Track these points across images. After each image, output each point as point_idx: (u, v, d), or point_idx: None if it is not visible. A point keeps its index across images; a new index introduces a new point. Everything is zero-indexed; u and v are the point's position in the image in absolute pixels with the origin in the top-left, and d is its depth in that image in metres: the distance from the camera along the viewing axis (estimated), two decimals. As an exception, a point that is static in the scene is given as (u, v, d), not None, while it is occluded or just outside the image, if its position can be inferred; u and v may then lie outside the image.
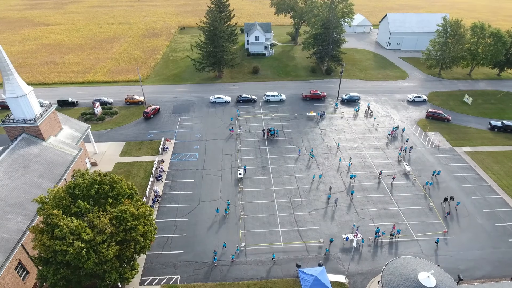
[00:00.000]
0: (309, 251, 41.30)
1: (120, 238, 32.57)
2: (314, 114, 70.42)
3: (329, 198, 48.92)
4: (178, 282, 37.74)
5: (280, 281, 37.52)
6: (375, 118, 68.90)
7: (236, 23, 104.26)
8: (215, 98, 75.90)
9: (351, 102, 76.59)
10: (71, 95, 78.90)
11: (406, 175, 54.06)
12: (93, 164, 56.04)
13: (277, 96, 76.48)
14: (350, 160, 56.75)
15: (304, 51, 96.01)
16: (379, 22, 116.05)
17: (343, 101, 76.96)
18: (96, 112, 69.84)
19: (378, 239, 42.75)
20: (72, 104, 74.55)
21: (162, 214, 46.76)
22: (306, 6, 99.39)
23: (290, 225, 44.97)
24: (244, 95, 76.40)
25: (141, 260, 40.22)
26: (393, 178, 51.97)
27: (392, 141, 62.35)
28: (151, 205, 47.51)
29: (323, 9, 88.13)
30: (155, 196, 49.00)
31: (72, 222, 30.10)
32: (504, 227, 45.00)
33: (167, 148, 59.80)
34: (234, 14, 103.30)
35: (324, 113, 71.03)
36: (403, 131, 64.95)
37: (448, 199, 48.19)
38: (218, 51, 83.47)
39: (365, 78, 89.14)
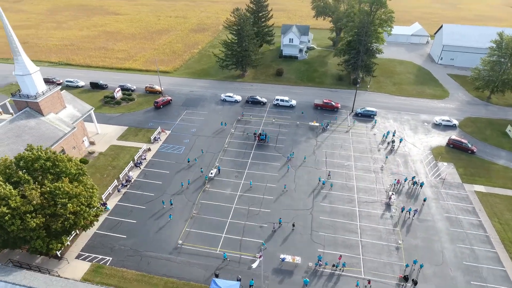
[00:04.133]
0: (241, 263, 39.95)
1: (49, 212, 35.76)
2: (317, 124, 66.80)
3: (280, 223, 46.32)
4: (107, 264, 39.92)
5: (195, 285, 37.15)
6: (392, 147, 61.28)
7: (273, 24, 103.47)
8: (226, 96, 76.82)
9: (366, 117, 70.60)
10: (106, 79, 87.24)
11: (388, 205, 48.39)
12: (92, 144, 61.61)
13: (287, 101, 74.28)
14: (329, 175, 52.83)
15: (336, 57, 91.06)
16: (435, 33, 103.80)
17: (356, 115, 71.38)
18: (115, 96, 76.36)
19: (317, 267, 39.33)
20: (101, 87, 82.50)
21: (125, 199, 49.51)
22: (345, 11, 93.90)
23: (236, 233, 43.92)
24: (254, 97, 75.85)
25: (85, 236, 43.38)
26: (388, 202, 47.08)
27: (389, 163, 56.20)
28: (118, 189, 50.74)
29: (359, 14, 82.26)
30: (126, 181, 52.08)
31: (5, 189, 34.04)
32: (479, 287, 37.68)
33: (159, 138, 62.74)
34: (272, 15, 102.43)
35: (328, 124, 66.93)
36: (400, 142, 58.91)
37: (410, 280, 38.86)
38: (242, 51, 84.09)
39: (395, 93, 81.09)
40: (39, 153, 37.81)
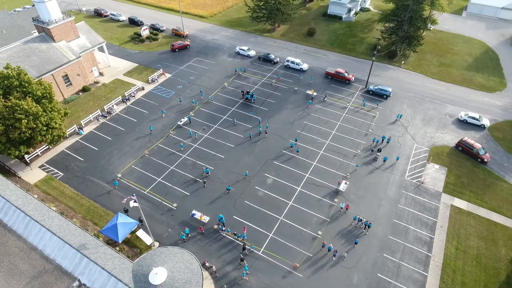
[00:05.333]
0: (160, 208, 42.42)
1: (9, 123, 42.25)
2: (315, 94, 61.58)
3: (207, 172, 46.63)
4: (57, 178, 46.38)
5: (111, 214, 41.19)
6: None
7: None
8: (239, 49, 74.79)
9: (378, 96, 62.10)
10: (146, 17, 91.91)
11: (335, 192, 44.38)
12: (100, 74, 67.88)
13: (297, 64, 69.13)
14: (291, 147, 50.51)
15: (380, 23, 78.99)
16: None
17: (367, 92, 63.25)
18: (142, 34, 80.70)
19: (221, 231, 39.56)
20: (137, 23, 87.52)
21: (100, 128, 54.91)
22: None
23: (170, 181, 45.92)
24: (266, 54, 72.31)
25: (54, 151, 50.34)
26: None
27: (369, 154, 50.08)
28: (98, 118, 56.22)
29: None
30: (107, 113, 57.21)
31: None
32: (376, 302, 33.78)
33: (156, 79, 65.79)
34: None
35: (326, 96, 61.15)
36: (388, 141, 51.65)
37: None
38: (273, 3, 78.82)
39: (434, 76, 68.35)
40: (11, 72, 43.84)
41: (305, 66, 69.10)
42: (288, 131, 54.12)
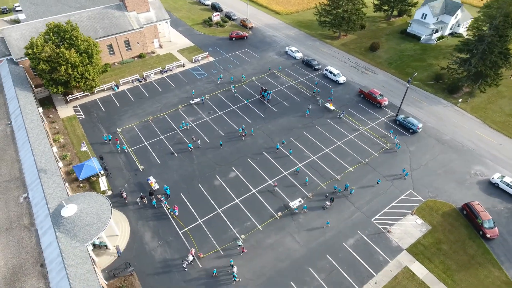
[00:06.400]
0: (131, 166, 47.94)
1: (53, 65, 53.29)
2: (332, 108, 57.97)
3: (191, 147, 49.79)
4: (78, 118, 56.34)
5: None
6: None
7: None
8: (288, 49, 74.53)
9: (404, 128, 54.65)
10: (230, 5, 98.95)
11: (285, 207, 42.36)
12: (160, 47, 77.22)
13: (334, 75, 65.48)
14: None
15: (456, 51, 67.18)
16: None
17: (394, 121, 56.15)
18: (212, 19, 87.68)
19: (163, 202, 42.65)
20: (216, 9, 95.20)
21: (131, 90, 63.40)
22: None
23: (154, 148, 50.95)
24: (311, 59, 70.40)
25: (90, 97, 60.79)
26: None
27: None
28: (134, 81, 64.93)
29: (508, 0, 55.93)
30: (143, 79, 65.51)
31: (40, 40, 52.93)
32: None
33: (199, 60, 71.53)
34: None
35: (342, 113, 56.84)
36: (351, 192, 44.78)
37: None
38: (341, 11, 75.54)
39: (492, 125, 55.45)
40: (67, 27, 54.69)
41: (342, 79, 65.05)
42: (281, 135, 53.01)
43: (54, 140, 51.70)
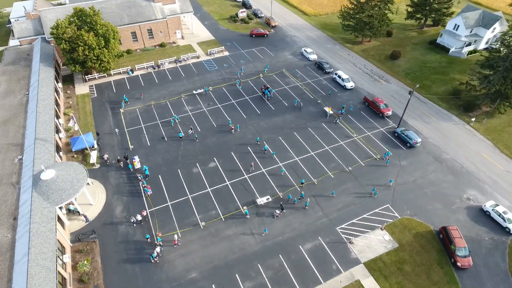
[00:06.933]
0: (121, 142, 51.32)
1: (73, 46, 58.49)
2: (330, 112, 56.73)
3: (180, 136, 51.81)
4: (91, 97, 61.20)
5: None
6: None
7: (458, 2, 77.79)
8: (304, 50, 73.93)
9: (401, 141, 51.92)
10: (258, 3, 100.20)
11: (252, 202, 42.72)
12: (182, 38, 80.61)
13: (342, 79, 63.80)
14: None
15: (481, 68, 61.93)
16: None
17: (393, 133, 53.53)
18: (238, 15, 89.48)
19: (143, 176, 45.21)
20: (246, 6, 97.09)
21: (144, 75, 67.34)
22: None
23: (148, 132, 53.93)
24: (323, 62, 69.22)
25: (106, 78, 65.63)
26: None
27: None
28: (148, 68, 68.71)
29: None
30: (157, 66, 69.11)
31: (65, 23, 58.43)
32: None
33: (214, 53, 73.70)
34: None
35: (339, 119, 55.41)
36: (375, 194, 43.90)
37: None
38: (365, 15, 73.18)
39: (503, 149, 50.37)
40: (89, 12, 59.55)
41: (349, 85, 63.23)
42: (270, 133, 53.25)
43: (65, 114, 56.94)
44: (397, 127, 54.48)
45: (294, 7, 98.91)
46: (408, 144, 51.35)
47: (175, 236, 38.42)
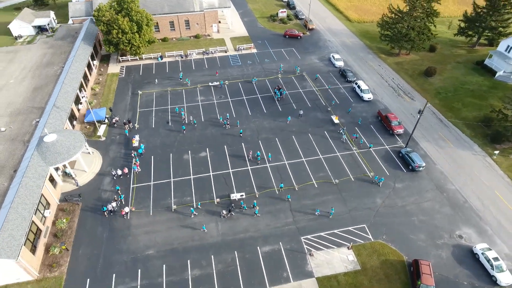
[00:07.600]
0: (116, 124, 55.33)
1: (109, 28, 64.21)
2: (337, 122, 54.77)
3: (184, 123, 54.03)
4: (119, 77, 66.64)
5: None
6: None
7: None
8: (332, 56, 71.79)
9: (404, 163, 48.25)
10: (304, 4, 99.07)
11: (227, 195, 43.37)
12: (218, 32, 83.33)
13: (361, 90, 60.87)
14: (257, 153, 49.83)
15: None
16: None
17: (398, 154, 49.90)
18: (278, 15, 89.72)
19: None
20: (290, 7, 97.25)
21: (172, 63, 71.26)
22: None
23: (144, 117, 57.31)
24: (347, 70, 66.63)
25: (138, 61, 70.87)
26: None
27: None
28: (176, 56, 72.44)
29: None
30: (185, 55, 72.57)
31: (108, 10, 64.38)
32: None
33: (243, 49, 75.23)
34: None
35: (342, 129, 53.17)
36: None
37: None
38: (403, 26, 68.77)
39: None
40: (128, 3, 64.73)
41: (367, 96, 60.19)
42: (269, 133, 53.21)
43: (92, 88, 62.96)
44: (405, 146, 50.81)
45: (339, 12, 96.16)
46: (410, 167, 47.68)
47: (126, 209, 41.07)
